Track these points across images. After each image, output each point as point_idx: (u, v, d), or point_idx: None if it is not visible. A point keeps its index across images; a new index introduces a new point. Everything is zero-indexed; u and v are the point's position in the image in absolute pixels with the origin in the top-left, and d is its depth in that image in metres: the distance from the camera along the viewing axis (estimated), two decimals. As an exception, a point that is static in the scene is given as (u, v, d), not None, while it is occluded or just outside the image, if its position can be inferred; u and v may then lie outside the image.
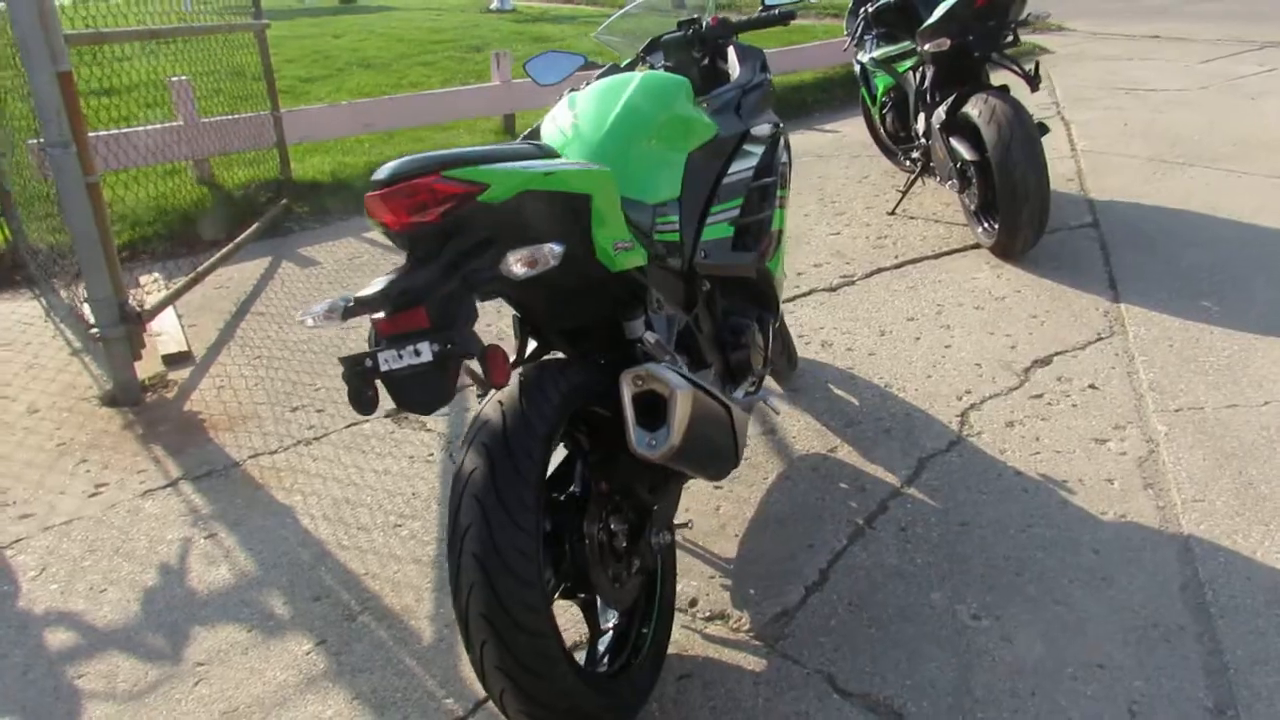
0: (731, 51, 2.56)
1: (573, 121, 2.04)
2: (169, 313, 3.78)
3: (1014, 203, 3.69)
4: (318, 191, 5.45)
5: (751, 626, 2.03)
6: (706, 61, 2.60)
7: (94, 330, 3.11)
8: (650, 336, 1.73)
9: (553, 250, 1.40)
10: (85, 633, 2.11)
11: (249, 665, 1.99)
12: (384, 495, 2.56)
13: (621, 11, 2.72)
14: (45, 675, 1.99)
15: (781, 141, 2.46)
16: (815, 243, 4.31)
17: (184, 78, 5.09)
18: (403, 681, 1.92)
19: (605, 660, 1.78)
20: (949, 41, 3.82)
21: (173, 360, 3.48)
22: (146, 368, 3.34)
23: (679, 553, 2.25)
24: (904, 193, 4.61)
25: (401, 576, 2.24)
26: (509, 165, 1.45)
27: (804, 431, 2.76)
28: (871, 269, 3.96)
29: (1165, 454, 2.55)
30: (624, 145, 1.97)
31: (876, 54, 4.57)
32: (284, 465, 2.73)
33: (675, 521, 1.95)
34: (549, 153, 1.59)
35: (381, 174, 1.39)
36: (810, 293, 3.76)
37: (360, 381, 1.37)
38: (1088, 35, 10.18)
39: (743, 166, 2.26)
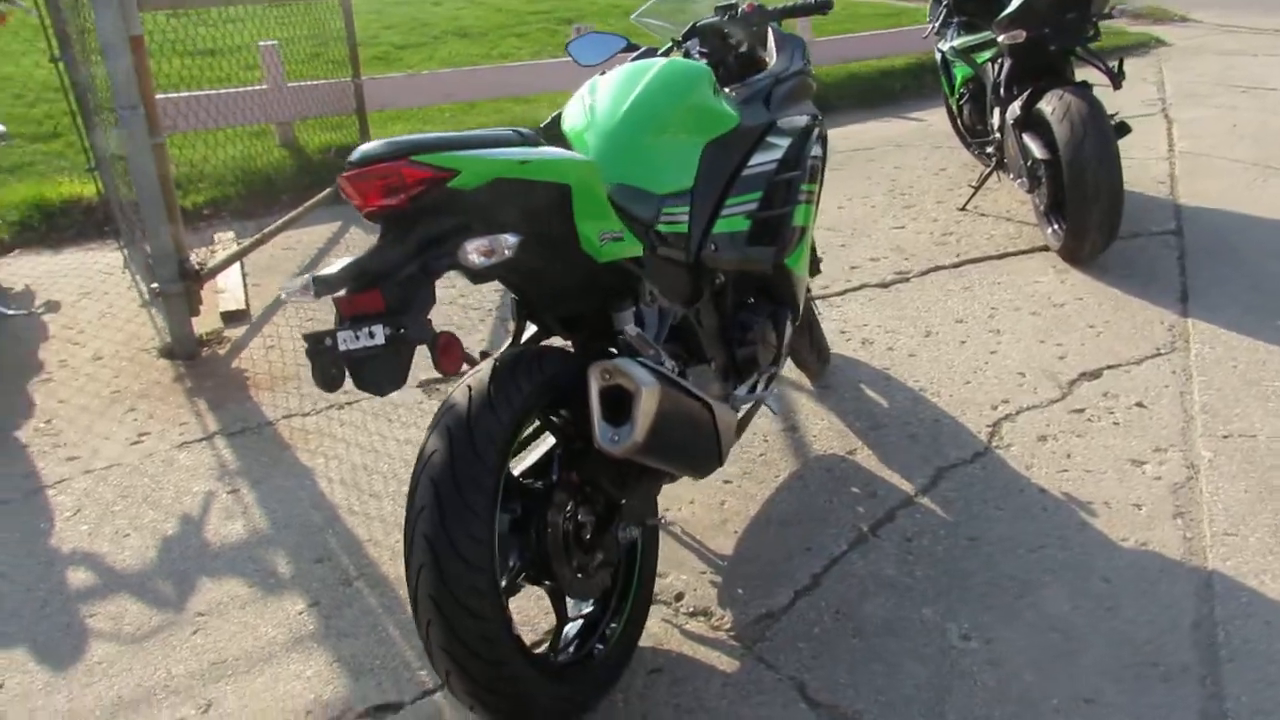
0: (771, 39, 2.49)
1: (591, 106, 2.03)
2: (234, 271, 3.93)
3: (1083, 204, 3.51)
4: (394, 158, 5.55)
5: (733, 626, 2.00)
6: (744, 48, 2.54)
7: (154, 285, 3.26)
8: (632, 330, 1.72)
9: (508, 241, 1.39)
10: (103, 574, 2.23)
11: (244, 620, 2.07)
12: (401, 464, 2.62)
13: (660, -6, 2.68)
14: (60, 611, 2.11)
15: (815, 134, 2.39)
16: (877, 236, 4.19)
17: (273, 42, 5.25)
18: (383, 649, 1.97)
19: (570, 649, 1.78)
20: (1025, 34, 3.65)
21: (231, 318, 3.62)
22: (205, 323, 3.49)
23: (674, 545, 2.24)
24: (976, 188, 4.44)
25: (401, 546, 2.28)
26: (483, 152, 1.45)
27: (825, 431, 2.71)
28: (929, 266, 3.84)
29: (1204, 482, 2.41)
30: (635, 133, 1.95)
31: (956, 43, 4.40)
32: (313, 428, 2.82)
33: (656, 515, 1.94)
34: (532, 140, 1.58)
35: (354, 155, 1.41)
36: (861, 287, 3.66)
37: (322, 359, 1.40)
38: (1212, 27, 9.57)
39: (765, 159, 2.20)
